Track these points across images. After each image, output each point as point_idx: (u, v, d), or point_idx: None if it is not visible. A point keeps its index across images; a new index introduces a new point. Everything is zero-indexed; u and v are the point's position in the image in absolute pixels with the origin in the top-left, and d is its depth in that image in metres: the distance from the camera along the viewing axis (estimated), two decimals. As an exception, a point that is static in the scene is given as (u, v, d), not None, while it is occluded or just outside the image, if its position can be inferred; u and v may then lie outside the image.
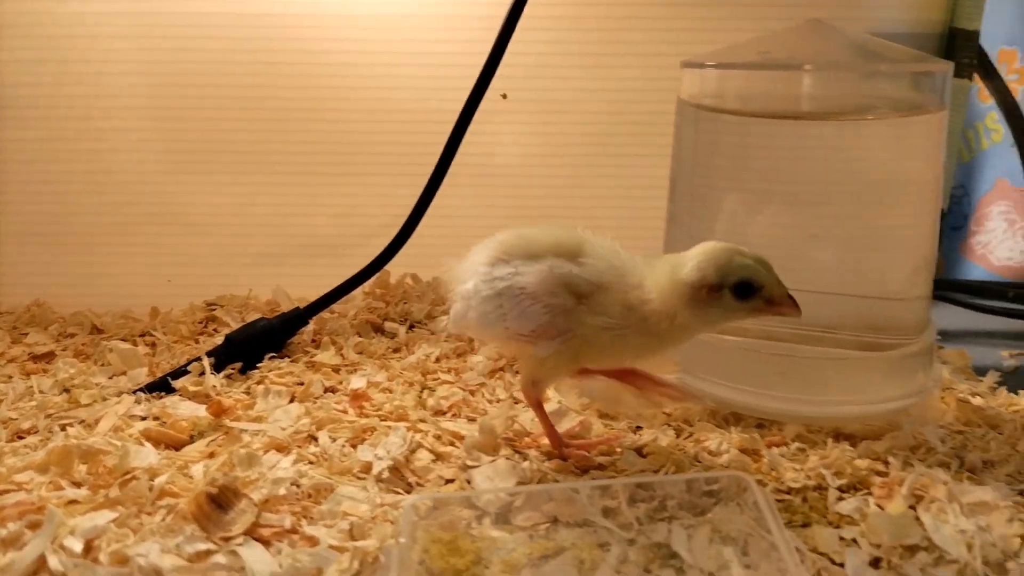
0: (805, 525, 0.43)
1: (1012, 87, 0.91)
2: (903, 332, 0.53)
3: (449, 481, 0.48)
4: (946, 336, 0.75)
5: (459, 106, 0.64)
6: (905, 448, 0.50)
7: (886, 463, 0.49)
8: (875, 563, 0.40)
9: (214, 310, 0.71)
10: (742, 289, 0.43)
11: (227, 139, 0.74)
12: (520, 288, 0.46)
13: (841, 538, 0.42)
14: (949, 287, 0.85)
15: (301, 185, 0.75)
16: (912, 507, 0.44)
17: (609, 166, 0.74)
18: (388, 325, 0.69)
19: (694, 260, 0.44)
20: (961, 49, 0.67)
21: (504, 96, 0.73)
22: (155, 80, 0.72)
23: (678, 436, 0.53)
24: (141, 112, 0.73)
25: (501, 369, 0.62)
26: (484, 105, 0.65)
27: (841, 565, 0.40)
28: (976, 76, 0.76)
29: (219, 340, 0.63)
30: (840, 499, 0.45)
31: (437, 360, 0.63)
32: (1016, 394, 0.58)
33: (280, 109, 0.74)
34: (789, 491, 0.46)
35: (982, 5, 0.67)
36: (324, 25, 0.72)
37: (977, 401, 0.57)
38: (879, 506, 0.44)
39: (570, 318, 0.46)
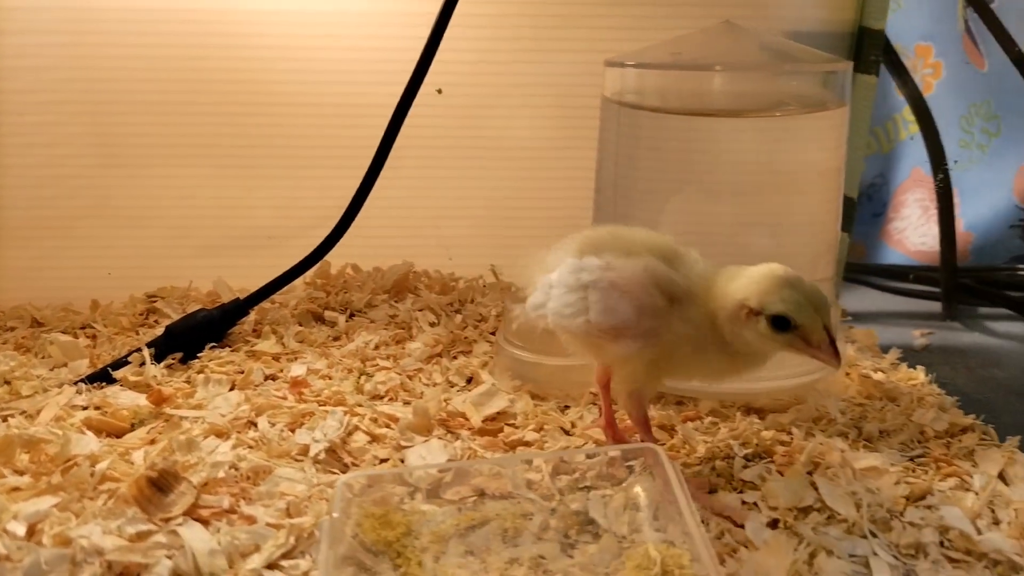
0: (712, 491, 0.47)
1: (927, 80, 0.96)
2: (809, 313, 0.57)
3: (383, 461, 0.50)
4: (863, 317, 0.80)
5: (397, 100, 0.66)
6: (808, 420, 0.54)
7: (790, 433, 0.53)
8: (773, 524, 0.44)
9: (155, 302, 0.72)
10: (778, 322, 0.42)
11: (166, 133, 0.74)
12: (610, 282, 0.45)
13: (744, 502, 0.46)
14: (862, 271, 0.90)
15: (241, 178, 0.76)
16: (809, 473, 0.48)
17: (540, 158, 0.77)
18: (328, 314, 0.70)
19: (745, 279, 0.43)
20: (868, 47, 0.72)
21: (439, 91, 0.75)
22: (91, 75, 0.73)
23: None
24: (77, 107, 0.73)
25: (438, 355, 0.65)
26: (421, 99, 0.67)
27: (742, 526, 0.44)
28: (889, 72, 0.80)
29: (160, 331, 0.65)
30: (745, 467, 0.49)
31: (376, 347, 0.65)
32: (915, 369, 0.63)
33: (219, 103, 0.74)
34: (700, 461, 0.50)
35: (887, 6, 0.71)
36: (262, 20, 0.73)
37: (878, 376, 0.61)
38: (779, 472, 0.48)
39: (659, 320, 0.45)
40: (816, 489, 0.46)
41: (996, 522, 0.45)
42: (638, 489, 0.46)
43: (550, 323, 0.48)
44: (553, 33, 0.74)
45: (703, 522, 0.43)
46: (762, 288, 0.43)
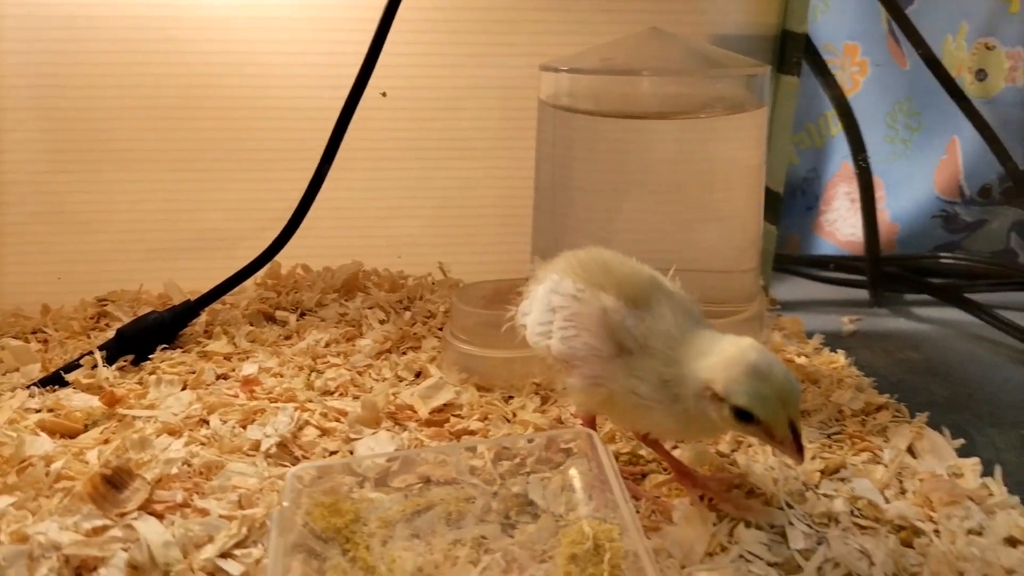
0: (644, 475, 0.50)
1: (855, 78, 1.01)
2: (735, 301, 0.61)
3: (333, 453, 0.53)
4: (795, 306, 0.84)
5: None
6: (734, 403, 0.58)
7: (717, 416, 0.56)
8: (700, 498, 0.47)
9: (105, 305, 0.73)
10: (741, 413, 0.40)
11: (115, 137, 0.75)
12: (572, 315, 0.45)
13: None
14: (795, 261, 0.95)
15: (191, 181, 0.77)
16: (733, 451, 0.52)
17: (485, 158, 0.79)
18: (279, 314, 0.72)
19: (715, 359, 0.41)
20: (791, 50, 0.76)
21: (384, 94, 0.77)
22: (41, 81, 0.73)
23: (544, 402, 0.59)
24: (27, 113, 0.73)
25: (388, 351, 0.67)
26: (368, 103, 0.69)
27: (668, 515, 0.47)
28: (813, 72, 0.85)
29: (111, 334, 0.66)
30: (673, 448, 0.52)
31: (327, 345, 0.67)
32: (836, 353, 0.67)
33: (168, 107, 0.75)
34: (633, 445, 0.53)
35: (807, 11, 0.75)
36: (209, 26, 0.74)
37: (801, 360, 0.65)
38: (705, 452, 0.52)
39: (605, 367, 0.44)
40: (737, 465, 0.50)
41: (903, 491, 0.49)
42: (574, 472, 0.49)
43: (527, 336, 0.49)
44: (492, 38, 0.77)
45: (634, 500, 0.46)
46: (729, 375, 0.40)
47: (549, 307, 0.47)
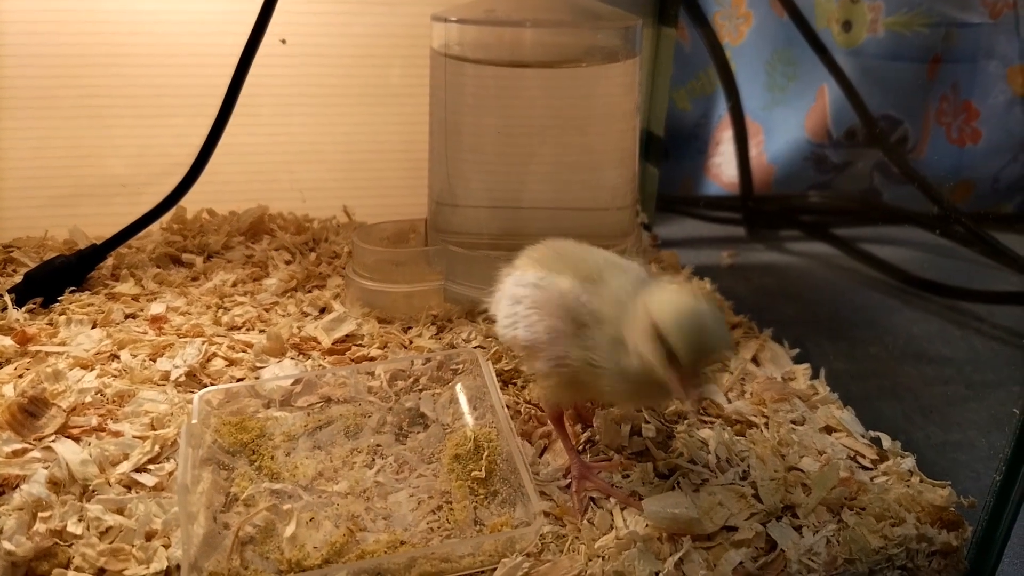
0: (524, 387, 0.57)
1: (741, 28, 1.08)
2: (612, 236, 0.67)
3: (240, 380, 0.57)
4: (682, 243, 0.92)
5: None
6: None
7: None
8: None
9: (11, 252, 0.74)
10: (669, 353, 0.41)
11: (16, 84, 0.74)
12: (533, 302, 0.47)
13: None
14: (680, 202, 1.02)
15: (92, 128, 0.78)
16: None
17: (385, 104, 0.82)
18: (186, 256, 0.74)
19: (666, 300, 0.42)
20: (670, 3, 0.81)
21: (283, 41, 0.79)
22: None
23: (439, 331, 0.65)
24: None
25: (293, 289, 0.71)
26: (270, 49, 0.71)
27: (542, 409, 0.53)
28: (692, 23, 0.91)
29: (18, 279, 0.67)
30: (550, 363, 0.58)
31: (233, 285, 0.70)
32: (703, 280, 0.75)
33: (67, 54, 0.75)
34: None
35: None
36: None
37: (672, 288, 0.72)
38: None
39: (569, 344, 0.45)
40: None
41: (743, 394, 0.57)
42: (460, 387, 0.55)
43: (497, 329, 0.51)
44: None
45: (509, 408, 0.53)
46: (672, 320, 0.41)
47: (514, 300, 0.49)
